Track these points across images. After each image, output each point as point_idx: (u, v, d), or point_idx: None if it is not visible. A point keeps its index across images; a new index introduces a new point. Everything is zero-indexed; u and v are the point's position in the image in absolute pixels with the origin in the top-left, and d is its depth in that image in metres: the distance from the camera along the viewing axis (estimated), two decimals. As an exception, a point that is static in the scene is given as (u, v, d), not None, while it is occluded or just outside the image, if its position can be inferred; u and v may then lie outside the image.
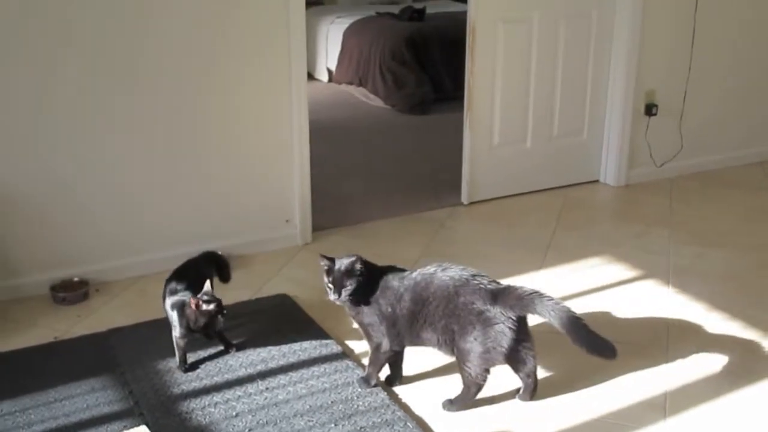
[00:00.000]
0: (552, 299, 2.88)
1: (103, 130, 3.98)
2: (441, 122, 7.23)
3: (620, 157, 5.52)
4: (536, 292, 2.89)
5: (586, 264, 4.35)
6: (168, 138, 4.14)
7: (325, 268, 3.02)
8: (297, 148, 4.46)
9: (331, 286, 3.01)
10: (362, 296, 3.01)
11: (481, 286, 2.92)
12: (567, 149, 5.49)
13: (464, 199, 5.22)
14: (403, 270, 3.10)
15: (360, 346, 3.40)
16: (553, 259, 4.40)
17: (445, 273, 2.99)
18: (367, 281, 3.00)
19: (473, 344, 2.89)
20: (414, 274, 3.04)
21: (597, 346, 2.86)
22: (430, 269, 3.03)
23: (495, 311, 2.87)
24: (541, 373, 3.18)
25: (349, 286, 2.98)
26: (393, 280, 3.03)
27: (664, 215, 5.07)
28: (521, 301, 2.87)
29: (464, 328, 2.89)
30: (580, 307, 3.78)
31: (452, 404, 3.03)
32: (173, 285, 3.31)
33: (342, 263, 3.00)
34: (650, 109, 5.49)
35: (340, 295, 2.99)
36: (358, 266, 2.99)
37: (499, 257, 4.40)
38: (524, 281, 4.05)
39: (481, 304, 2.88)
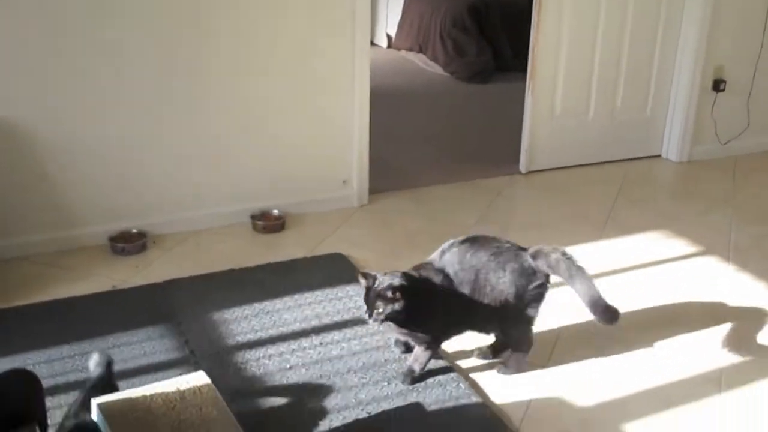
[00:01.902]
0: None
1: (164, 85, 4.00)
2: (500, 91, 7.16)
3: (684, 133, 5.41)
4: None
5: (645, 238, 4.28)
6: (229, 96, 4.15)
7: (364, 286, 2.80)
8: (357, 110, 4.44)
9: (365, 305, 2.78)
10: (405, 320, 2.79)
11: (509, 249, 2.92)
12: (629, 122, 5.40)
13: (522, 168, 5.17)
14: (434, 268, 2.89)
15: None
16: (611, 232, 4.34)
17: (474, 257, 2.88)
18: (410, 305, 2.74)
19: (517, 306, 2.88)
20: (449, 269, 2.86)
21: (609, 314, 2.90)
22: (454, 258, 2.88)
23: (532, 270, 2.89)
24: (602, 344, 3.16)
25: (382, 311, 2.73)
26: (436, 288, 2.84)
27: (726, 193, 4.97)
28: (557, 264, 2.89)
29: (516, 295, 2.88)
30: (637, 280, 3.77)
31: (507, 368, 3.02)
32: None
33: (380, 284, 2.75)
34: (718, 85, 5.37)
35: (370, 316, 2.76)
36: (389, 294, 2.71)
37: (556, 227, 4.36)
38: (581, 251, 3.97)
39: (518, 269, 2.88)
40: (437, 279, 2.84)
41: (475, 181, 5.04)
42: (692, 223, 4.47)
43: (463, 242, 2.92)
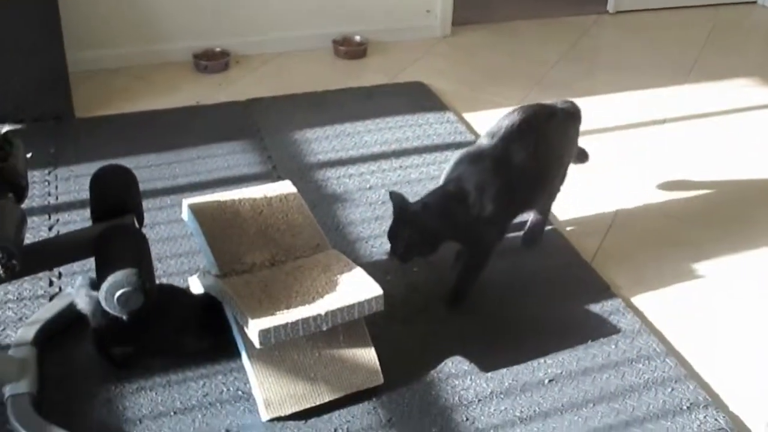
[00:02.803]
0: None
1: None
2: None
3: (785, -23, 5.17)
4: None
5: (732, 85, 4.16)
6: None
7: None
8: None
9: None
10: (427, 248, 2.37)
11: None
12: (727, -36, 5.16)
13: (610, 7, 5.02)
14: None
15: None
16: (697, 77, 4.22)
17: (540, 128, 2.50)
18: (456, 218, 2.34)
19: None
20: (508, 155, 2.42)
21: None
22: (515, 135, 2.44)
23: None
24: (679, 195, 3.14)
25: (405, 251, 2.34)
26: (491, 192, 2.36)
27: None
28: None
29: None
30: (721, 125, 3.70)
31: (535, 240, 2.79)
32: None
33: (402, 209, 2.33)
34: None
35: (394, 253, 2.37)
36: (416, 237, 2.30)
37: (641, 69, 4.26)
38: (665, 94, 3.96)
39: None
40: (495, 174, 2.37)
41: (561, 18, 4.93)
42: (785, 74, 4.34)
43: (515, 117, 2.48)
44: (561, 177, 2.69)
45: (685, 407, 2.13)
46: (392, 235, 2.37)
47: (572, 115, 2.66)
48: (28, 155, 2.08)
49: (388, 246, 2.66)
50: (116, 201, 2.10)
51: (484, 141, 2.48)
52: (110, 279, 1.82)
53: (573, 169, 2.73)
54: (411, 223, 2.32)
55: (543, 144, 2.49)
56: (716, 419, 2.10)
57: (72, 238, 2.19)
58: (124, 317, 1.90)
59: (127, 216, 2.07)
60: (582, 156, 2.87)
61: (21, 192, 1.94)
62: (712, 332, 2.46)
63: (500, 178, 2.38)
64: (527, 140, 2.44)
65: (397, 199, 2.36)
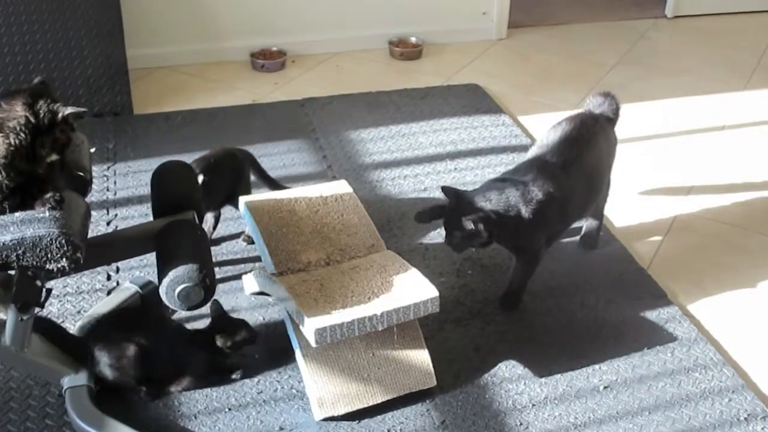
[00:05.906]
0: None
1: None
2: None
3: None
4: None
5: (796, 92, 4.10)
6: None
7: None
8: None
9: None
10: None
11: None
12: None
13: (669, 12, 4.95)
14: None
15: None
16: (758, 83, 4.15)
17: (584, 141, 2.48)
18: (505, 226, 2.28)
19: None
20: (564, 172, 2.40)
21: None
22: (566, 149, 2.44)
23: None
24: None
25: (459, 242, 2.31)
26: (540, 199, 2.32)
27: None
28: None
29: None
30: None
31: (593, 243, 2.77)
32: None
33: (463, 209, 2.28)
34: None
35: (449, 243, 2.34)
36: (470, 226, 2.22)
37: (699, 74, 4.20)
38: (723, 101, 3.90)
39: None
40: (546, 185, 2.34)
41: (618, 22, 4.87)
42: None
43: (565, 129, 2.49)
44: (607, 182, 2.67)
45: (742, 418, 2.11)
46: (450, 223, 2.30)
47: (610, 120, 2.62)
48: (92, 150, 2.11)
49: (442, 249, 2.65)
50: (177, 197, 2.12)
51: (534, 151, 2.49)
52: (171, 274, 1.84)
53: (630, 176, 2.70)
54: (474, 211, 2.26)
55: (591, 152, 2.48)
56: (775, 431, 2.07)
57: (134, 233, 2.22)
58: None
59: (188, 212, 2.09)
60: None
61: (85, 186, 1.97)
62: (771, 343, 2.42)
63: (551, 187, 2.34)
64: (577, 148, 2.44)
65: (451, 190, 2.33)
